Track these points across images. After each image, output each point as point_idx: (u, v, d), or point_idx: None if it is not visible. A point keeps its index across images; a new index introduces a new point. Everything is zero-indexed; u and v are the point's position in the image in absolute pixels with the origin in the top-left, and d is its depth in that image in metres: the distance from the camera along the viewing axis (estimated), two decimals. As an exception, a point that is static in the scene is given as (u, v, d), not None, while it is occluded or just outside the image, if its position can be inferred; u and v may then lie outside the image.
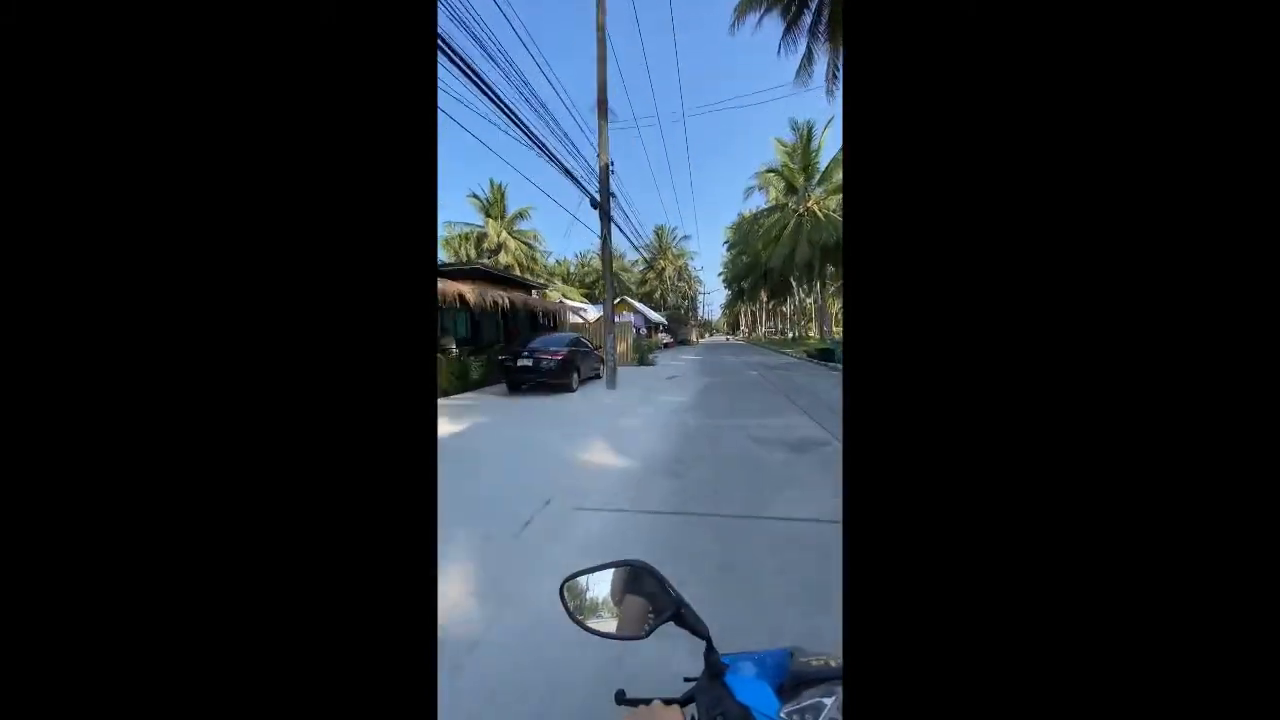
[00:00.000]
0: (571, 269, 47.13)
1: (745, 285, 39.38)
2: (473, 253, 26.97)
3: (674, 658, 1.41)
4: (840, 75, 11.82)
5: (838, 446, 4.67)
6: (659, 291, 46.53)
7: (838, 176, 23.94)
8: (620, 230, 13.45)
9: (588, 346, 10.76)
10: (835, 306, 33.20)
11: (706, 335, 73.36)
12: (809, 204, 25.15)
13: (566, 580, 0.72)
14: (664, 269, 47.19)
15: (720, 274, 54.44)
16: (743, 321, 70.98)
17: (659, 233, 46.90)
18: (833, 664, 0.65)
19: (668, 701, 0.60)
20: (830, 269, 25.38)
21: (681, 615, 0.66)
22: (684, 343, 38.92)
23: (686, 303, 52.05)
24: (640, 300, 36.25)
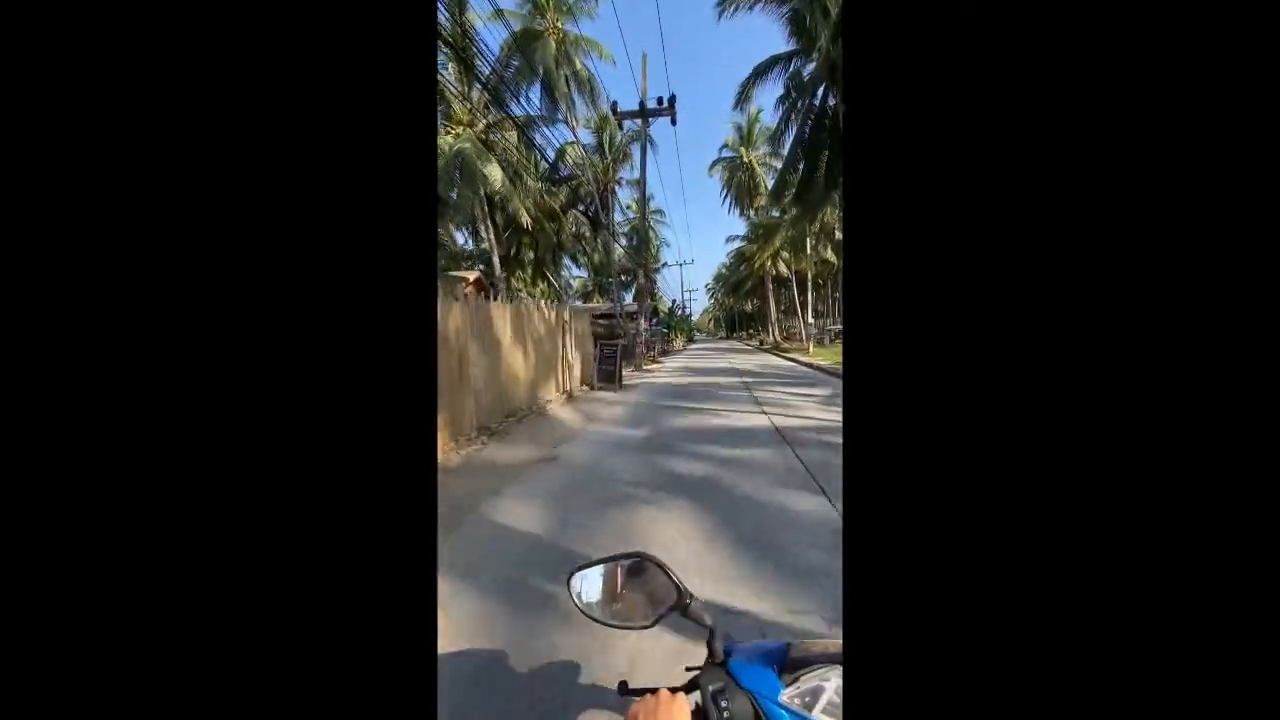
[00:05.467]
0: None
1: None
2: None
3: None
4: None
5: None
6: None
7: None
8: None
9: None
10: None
11: (681, 343, 42.05)
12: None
13: (574, 571, 0.72)
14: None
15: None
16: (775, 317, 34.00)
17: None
18: (831, 649, 0.66)
19: (673, 690, 0.60)
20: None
21: (686, 606, 0.66)
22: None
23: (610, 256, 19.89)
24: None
